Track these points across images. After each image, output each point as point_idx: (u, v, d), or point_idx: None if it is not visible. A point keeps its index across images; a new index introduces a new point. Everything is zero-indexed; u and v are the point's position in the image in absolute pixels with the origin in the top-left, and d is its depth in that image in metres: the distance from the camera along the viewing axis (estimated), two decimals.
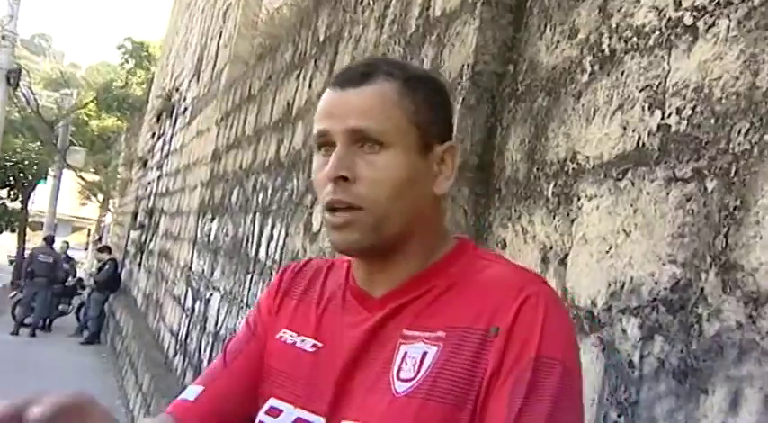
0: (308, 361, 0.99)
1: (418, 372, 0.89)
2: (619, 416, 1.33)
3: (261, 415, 1.00)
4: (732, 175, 1.18)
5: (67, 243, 16.31)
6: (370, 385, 0.92)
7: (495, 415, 0.83)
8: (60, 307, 14.19)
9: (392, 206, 0.94)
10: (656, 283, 1.30)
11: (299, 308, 1.05)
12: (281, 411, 0.98)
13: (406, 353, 0.91)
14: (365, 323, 0.96)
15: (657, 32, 1.45)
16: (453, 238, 1.01)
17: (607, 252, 1.46)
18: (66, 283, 14.42)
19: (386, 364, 0.92)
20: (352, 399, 0.94)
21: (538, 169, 1.80)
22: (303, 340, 1.02)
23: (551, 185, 1.72)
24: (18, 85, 15.87)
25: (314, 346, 1.00)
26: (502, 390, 0.84)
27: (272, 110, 4.81)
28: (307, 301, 1.05)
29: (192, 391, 1.03)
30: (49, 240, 14.41)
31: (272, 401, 0.99)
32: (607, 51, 1.62)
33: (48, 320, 13.65)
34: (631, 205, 1.41)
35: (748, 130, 1.16)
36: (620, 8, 1.59)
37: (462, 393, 0.86)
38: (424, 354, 0.90)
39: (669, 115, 1.36)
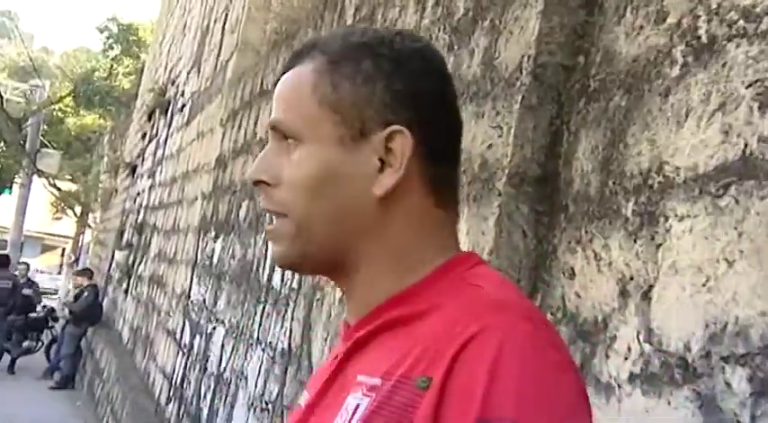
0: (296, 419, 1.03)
1: None
2: None
3: None
4: None
5: (27, 264, 16.54)
6: None
7: None
8: (26, 343, 14.42)
9: (311, 211, 0.96)
10: (766, 324, 1.30)
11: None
12: None
13: (348, 404, 0.91)
14: (333, 365, 0.99)
15: None
16: (452, 252, 0.99)
17: (704, 285, 1.47)
18: (33, 314, 14.65)
19: (332, 417, 0.92)
20: None
21: (614, 183, 1.82)
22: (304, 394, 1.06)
23: (631, 202, 1.73)
24: None
25: (305, 398, 1.04)
26: None
27: None
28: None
29: None
30: (4, 261, 14.67)
31: None
32: (704, 38, 1.62)
33: (10, 359, 13.83)
34: (735, 228, 1.42)
35: None
36: None
37: None
38: (357, 407, 0.90)
39: None
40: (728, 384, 1.36)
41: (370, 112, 0.95)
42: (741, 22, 1.52)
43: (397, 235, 0.96)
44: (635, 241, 1.71)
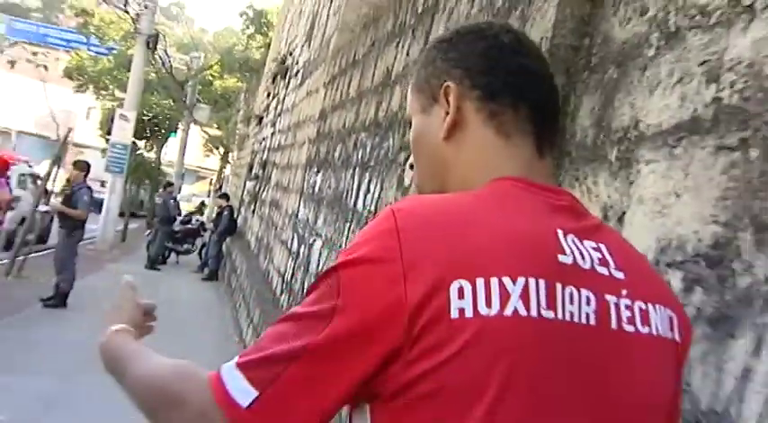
0: None
1: None
2: None
3: None
4: None
5: (169, 182, 16.48)
6: None
7: None
8: (185, 246, 14.90)
9: (417, 164, 0.99)
10: (699, 240, 1.34)
11: None
12: None
13: None
14: None
15: (719, 11, 1.46)
16: (496, 177, 0.90)
17: (659, 212, 1.50)
18: (190, 226, 15.11)
19: None
20: None
21: (604, 135, 1.83)
22: None
23: (615, 150, 1.75)
24: (155, 48, 16.53)
25: None
26: None
27: (373, 75, 4.90)
28: None
29: None
30: (166, 184, 15.13)
31: None
32: (672, 28, 1.62)
33: (176, 256, 14.35)
34: (683, 170, 1.44)
35: None
36: None
37: None
38: None
39: (723, 89, 1.38)
40: (669, 282, 1.40)
41: (434, 81, 0.95)
42: (698, 17, 1.52)
43: (463, 164, 0.93)
44: (615, 179, 1.73)
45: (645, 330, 0.85)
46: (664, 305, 0.90)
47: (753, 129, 1.26)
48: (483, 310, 0.74)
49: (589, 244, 0.86)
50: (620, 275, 0.86)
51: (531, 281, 0.77)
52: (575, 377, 0.79)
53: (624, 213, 1.66)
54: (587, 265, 0.83)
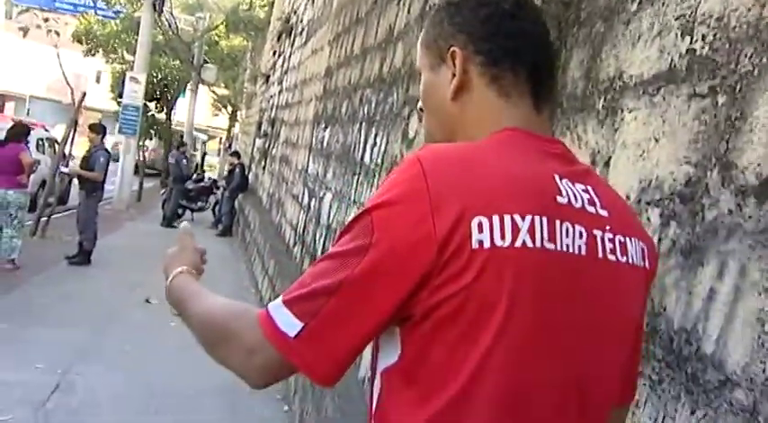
0: None
1: None
2: None
3: None
4: (737, 91, 1.30)
5: (182, 142, 16.40)
6: None
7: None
8: (199, 203, 15.02)
9: (428, 119, 1.07)
10: (674, 180, 1.45)
11: None
12: None
13: None
14: None
15: None
16: (502, 131, 0.99)
17: (640, 155, 1.61)
18: (203, 183, 15.23)
19: None
20: None
21: (592, 86, 1.92)
22: None
23: (602, 100, 1.85)
24: (162, 11, 16.43)
25: None
26: None
27: (376, 32, 4.95)
28: None
29: None
30: (180, 144, 15.17)
31: None
32: None
33: (191, 213, 14.50)
34: (661, 117, 1.54)
35: (752, 53, 1.28)
36: None
37: None
38: None
39: (695, 41, 1.47)
40: (649, 219, 1.51)
41: (442, 42, 1.03)
42: None
43: (469, 122, 1.01)
44: (602, 127, 1.83)
45: (623, 259, 0.99)
46: (638, 238, 1.03)
47: (720, 77, 1.36)
48: (498, 241, 0.85)
49: (579, 186, 0.97)
50: (604, 213, 0.99)
51: (537, 218, 0.88)
52: (570, 297, 0.91)
53: (610, 158, 1.77)
54: (579, 205, 0.95)
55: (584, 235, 0.94)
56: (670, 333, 1.37)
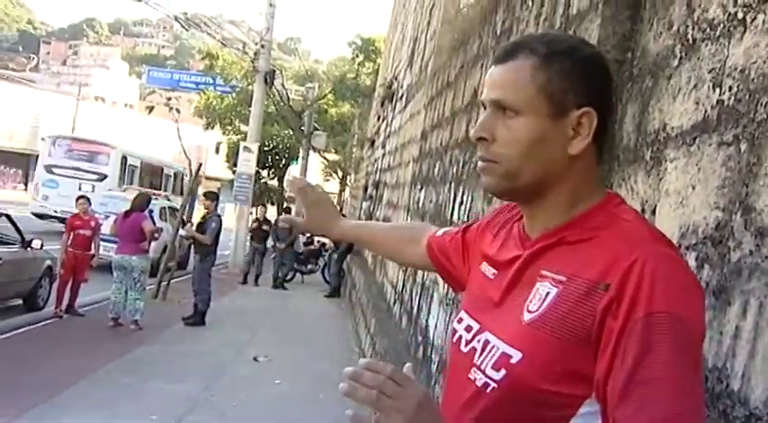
0: (487, 283, 1.14)
1: (540, 306, 0.99)
2: None
3: (453, 322, 1.17)
4: (755, 138, 1.38)
5: (289, 208, 17.15)
6: (512, 311, 1.03)
7: (611, 371, 0.88)
8: (309, 266, 15.52)
9: (522, 161, 1.03)
10: (706, 224, 1.51)
11: (494, 241, 1.20)
12: (462, 319, 1.15)
13: (537, 289, 1.01)
14: (519, 259, 1.08)
15: (722, 25, 1.63)
16: (603, 193, 1.06)
17: (680, 202, 1.67)
18: (313, 247, 15.75)
19: (525, 296, 1.02)
20: (498, 317, 1.06)
21: (642, 138, 2.00)
22: (488, 268, 1.16)
23: (649, 151, 1.92)
24: (273, 83, 17.45)
25: (493, 274, 1.14)
26: (616, 348, 0.88)
27: (463, 95, 5.15)
28: (500, 235, 1.20)
29: (441, 232, 1.46)
30: (285, 209, 15.82)
31: (462, 312, 1.17)
32: (691, 40, 1.79)
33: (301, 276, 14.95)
34: (696, 165, 1.61)
35: (767, 102, 1.36)
36: (700, 4, 1.77)
37: (568, 331, 0.94)
38: (547, 293, 0.99)
39: (724, 92, 1.55)
40: (687, 262, 1.57)
41: (571, 97, 1.02)
42: (708, 30, 1.68)
43: (576, 180, 1.04)
44: (648, 177, 1.90)
45: None
46: None
47: (742, 126, 1.44)
48: None
49: None
50: None
51: None
52: None
53: (656, 206, 1.84)
54: None
55: None
56: (705, 372, 1.41)
